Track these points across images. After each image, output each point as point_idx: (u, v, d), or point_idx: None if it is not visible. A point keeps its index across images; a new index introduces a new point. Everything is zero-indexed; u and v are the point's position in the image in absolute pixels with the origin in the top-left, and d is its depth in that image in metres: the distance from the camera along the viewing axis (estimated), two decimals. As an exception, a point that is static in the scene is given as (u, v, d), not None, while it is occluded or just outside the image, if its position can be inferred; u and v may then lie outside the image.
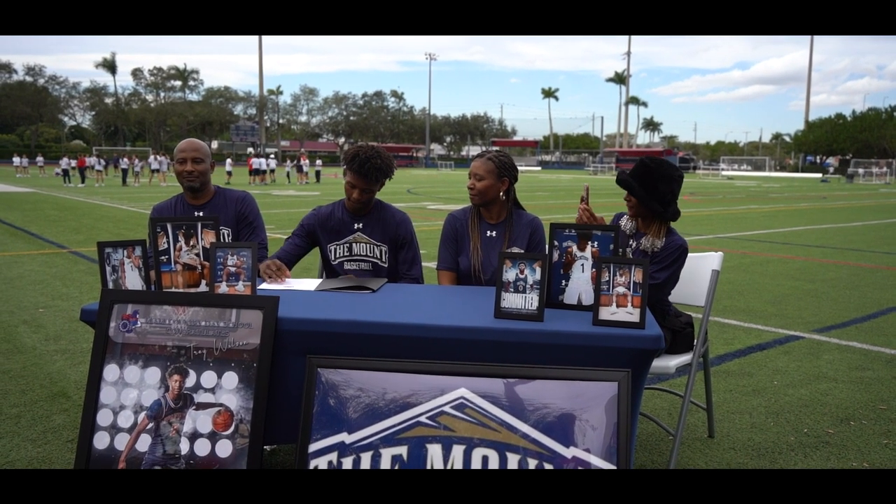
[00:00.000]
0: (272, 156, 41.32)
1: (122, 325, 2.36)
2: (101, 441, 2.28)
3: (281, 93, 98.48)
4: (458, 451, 2.09)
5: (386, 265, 3.33)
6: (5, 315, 5.74)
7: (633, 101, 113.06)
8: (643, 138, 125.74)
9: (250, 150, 37.08)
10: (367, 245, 3.32)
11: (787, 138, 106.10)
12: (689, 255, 3.17)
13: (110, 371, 2.33)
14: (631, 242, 3.13)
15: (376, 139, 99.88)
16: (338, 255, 3.32)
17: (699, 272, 3.27)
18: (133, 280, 2.55)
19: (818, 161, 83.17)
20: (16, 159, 42.66)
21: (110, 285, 2.51)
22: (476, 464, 2.07)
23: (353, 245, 3.32)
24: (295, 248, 3.36)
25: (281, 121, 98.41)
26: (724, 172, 70.34)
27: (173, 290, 2.62)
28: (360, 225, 3.33)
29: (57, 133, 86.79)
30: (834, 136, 78.80)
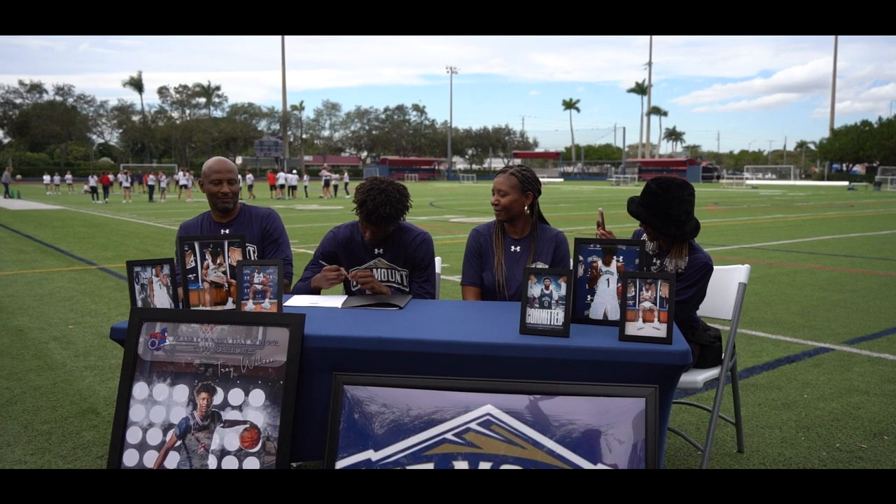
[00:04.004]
0: (295, 171, 41.89)
1: (151, 342, 2.39)
2: (130, 458, 2.30)
3: (303, 108, 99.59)
4: (484, 469, 2.08)
5: (407, 289, 3.28)
6: (36, 331, 5.84)
7: (655, 111, 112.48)
8: (665, 148, 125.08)
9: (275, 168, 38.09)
10: (388, 270, 3.27)
11: (812, 146, 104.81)
12: (716, 268, 3.14)
13: (139, 389, 2.36)
14: (655, 262, 3.10)
15: (398, 153, 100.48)
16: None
17: (726, 285, 3.23)
18: (161, 298, 2.59)
19: (844, 169, 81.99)
20: (46, 178, 43.54)
21: (139, 304, 2.55)
22: (503, 481, 2.06)
23: (374, 271, 3.26)
24: None
25: (304, 136, 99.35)
26: (748, 182, 69.63)
27: (201, 307, 2.65)
28: (381, 250, 3.27)
29: (86, 151, 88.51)
30: (860, 144, 77.67)
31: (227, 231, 3.42)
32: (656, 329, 2.29)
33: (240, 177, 3.69)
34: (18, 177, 34.39)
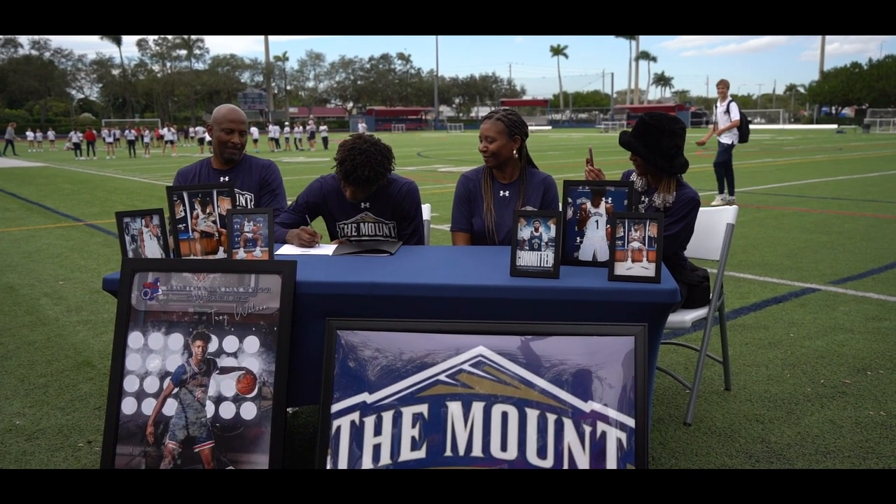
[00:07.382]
0: (286, 123, 41.20)
1: (144, 293, 2.40)
2: (128, 406, 2.33)
3: (287, 59, 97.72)
4: (477, 408, 2.12)
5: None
6: (26, 288, 5.83)
7: (644, 56, 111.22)
8: (654, 94, 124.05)
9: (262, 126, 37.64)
10: (375, 224, 3.23)
11: (802, 89, 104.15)
12: (704, 209, 3.17)
13: (134, 338, 2.37)
14: (643, 199, 3.13)
15: (384, 103, 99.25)
16: (345, 234, 3.25)
17: (714, 226, 3.26)
18: (152, 249, 2.58)
19: (833, 112, 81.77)
20: (29, 134, 42.78)
21: (130, 254, 2.54)
22: (496, 419, 2.10)
23: (362, 225, 3.23)
24: (292, 224, 3.22)
25: (288, 87, 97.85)
26: (737, 126, 69.19)
27: (192, 257, 2.65)
28: (368, 204, 3.22)
29: (65, 107, 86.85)
30: (850, 86, 77.26)
31: (226, 179, 3.39)
32: (645, 268, 2.31)
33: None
34: None
